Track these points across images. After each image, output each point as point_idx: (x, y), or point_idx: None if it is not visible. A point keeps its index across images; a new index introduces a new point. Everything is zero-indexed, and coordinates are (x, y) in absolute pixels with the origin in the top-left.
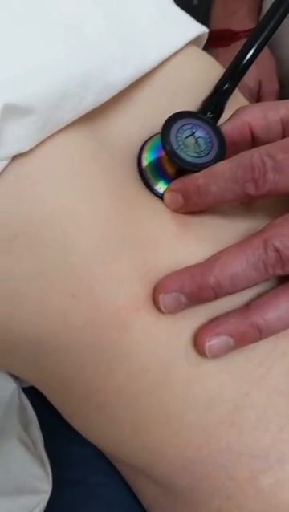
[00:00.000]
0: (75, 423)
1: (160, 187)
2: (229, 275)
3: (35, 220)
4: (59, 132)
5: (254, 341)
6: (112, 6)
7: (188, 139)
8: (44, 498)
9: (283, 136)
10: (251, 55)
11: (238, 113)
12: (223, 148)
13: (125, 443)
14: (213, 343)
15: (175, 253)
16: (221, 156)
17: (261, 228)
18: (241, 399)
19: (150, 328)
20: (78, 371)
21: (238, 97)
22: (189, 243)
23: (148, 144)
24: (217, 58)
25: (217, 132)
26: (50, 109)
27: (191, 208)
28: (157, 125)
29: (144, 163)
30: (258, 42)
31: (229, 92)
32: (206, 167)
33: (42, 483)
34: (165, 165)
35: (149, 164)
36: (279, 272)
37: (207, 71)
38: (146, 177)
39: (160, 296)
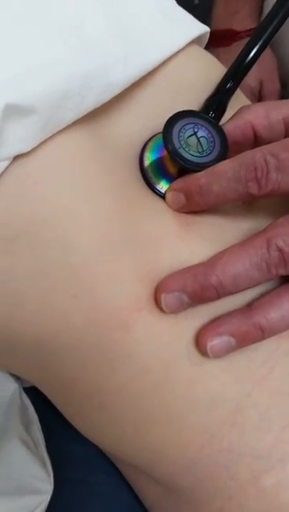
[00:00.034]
0: (77, 423)
1: (162, 186)
2: (231, 275)
3: (37, 220)
4: (60, 131)
5: (257, 341)
6: (112, 6)
7: (190, 138)
8: (45, 499)
9: (286, 136)
10: (254, 54)
11: (241, 112)
12: (225, 148)
13: (127, 443)
14: (215, 343)
15: (177, 252)
16: (223, 155)
17: (263, 227)
18: (243, 399)
19: (152, 328)
20: (79, 371)
21: (240, 96)
22: (191, 243)
23: (150, 144)
24: (218, 57)
25: (220, 131)
26: (51, 109)
27: (193, 207)
28: (159, 124)
29: (146, 162)
30: (261, 41)
31: (231, 91)
32: (208, 166)
33: (43, 483)
34: (167, 165)
35: (151, 164)
36: (282, 272)
37: (209, 70)
38: (148, 177)
39: (162, 296)
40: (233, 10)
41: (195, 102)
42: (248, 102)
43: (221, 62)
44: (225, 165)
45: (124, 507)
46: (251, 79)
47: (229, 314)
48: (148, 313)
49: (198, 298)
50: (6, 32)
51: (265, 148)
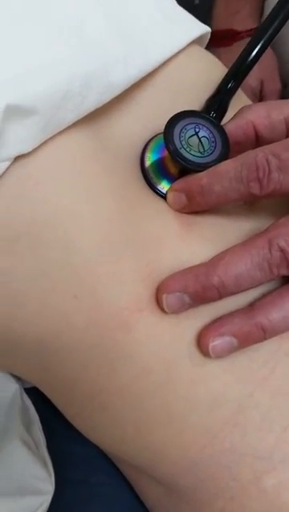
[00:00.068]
0: (78, 423)
1: (163, 187)
2: (233, 275)
3: (38, 220)
4: (61, 132)
5: (259, 341)
6: (112, 6)
7: (191, 138)
8: (47, 499)
9: (287, 136)
10: (255, 54)
11: (242, 112)
12: (227, 148)
13: (128, 443)
14: (216, 343)
15: (178, 253)
16: (224, 155)
17: (265, 228)
18: (245, 399)
19: (153, 329)
20: (80, 371)
21: (241, 96)
22: (193, 243)
23: (151, 144)
24: (219, 57)
25: (221, 131)
26: (52, 109)
27: (194, 208)
28: (160, 125)
29: (147, 163)
30: (263, 41)
31: (232, 91)
32: (210, 166)
33: (44, 484)
34: (168, 165)
35: (152, 164)
36: (284, 272)
37: (210, 70)
38: (149, 177)
39: (164, 296)
40: (234, 9)
41: (196, 102)
42: (249, 102)
43: (222, 62)
44: (227, 165)
45: (125, 508)
46: (252, 78)
47: (230, 315)
48: (150, 313)
49: (200, 298)
50: (6, 32)
51: (266, 148)
